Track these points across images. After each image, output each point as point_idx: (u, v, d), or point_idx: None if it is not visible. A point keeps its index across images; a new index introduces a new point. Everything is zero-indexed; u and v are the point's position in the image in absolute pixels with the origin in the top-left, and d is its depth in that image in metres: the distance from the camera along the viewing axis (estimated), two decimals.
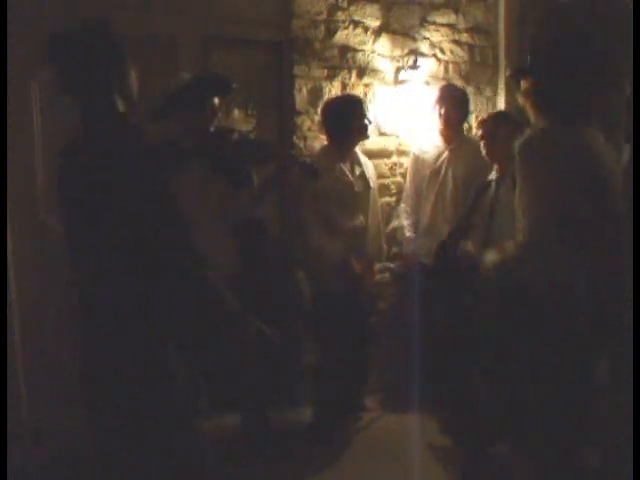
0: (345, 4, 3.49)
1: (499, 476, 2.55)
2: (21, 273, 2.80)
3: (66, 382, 2.13)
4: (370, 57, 3.58)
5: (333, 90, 3.46)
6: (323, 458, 2.95)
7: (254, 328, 1.89)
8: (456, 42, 3.84)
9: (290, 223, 3.43)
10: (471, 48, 3.89)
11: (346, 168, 3.15)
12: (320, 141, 3.41)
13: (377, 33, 3.59)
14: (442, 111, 3.37)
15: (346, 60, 3.52)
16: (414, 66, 3.66)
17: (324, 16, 3.43)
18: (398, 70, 3.65)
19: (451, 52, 3.83)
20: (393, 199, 3.71)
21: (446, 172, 3.35)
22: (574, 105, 2.19)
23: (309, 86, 3.43)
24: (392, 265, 3.72)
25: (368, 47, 3.57)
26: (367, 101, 3.48)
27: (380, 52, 3.60)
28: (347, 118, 3.10)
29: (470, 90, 3.70)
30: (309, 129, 3.44)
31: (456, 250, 2.96)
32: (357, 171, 3.20)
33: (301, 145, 3.42)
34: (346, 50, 3.51)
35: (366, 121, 3.16)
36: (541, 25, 2.37)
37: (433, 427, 3.21)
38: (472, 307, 2.69)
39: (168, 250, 1.75)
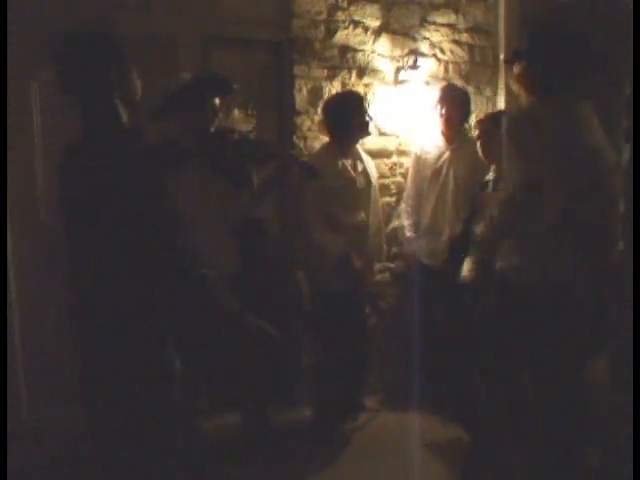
0: (345, 4, 3.49)
1: (499, 476, 2.55)
2: (21, 273, 2.80)
3: (66, 382, 2.13)
4: (370, 57, 3.58)
5: (333, 90, 3.46)
6: (323, 458, 2.95)
7: (254, 327, 1.89)
8: (456, 42, 3.84)
9: (290, 223, 3.43)
10: (471, 48, 3.89)
11: (348, 164, 3.16)
12: (320, 141, 3.40)
13: (377, 33, 3.59)
14: (443, 111, 3.37)
15: (346, 60, 3.52)
16: (414, 66, 3.66)
17: (324, 16, 3.43)
18: (398, 70, 3.65)
19: (451, 52, 3.83)
20: (393, 199, 3.71)
21: (447, 172, 3.35)
22: (564, 84, 2.20)
23: (309, 86, 3.43)
24: (392, 265, 3.72)
25: (368, 47, 3.57)
26: (367, 100, 3.48)
27: (380, 52, 3.60)
28: (348, 115, 3.10)
29: (470, 90, 3.70)
30: (309, 129, 3.44)
31: (461, 253, 2.96)
32: (359, 167, 3.20)
33: (301, 145, 3.42)
34: (346, 50, 3.51)
35: (367, 117, 3.16)
36: (541, 25, 2.38)
37: (433, 427, 3.21)
38: (472, 307, 2.68)
39: (167, 250, 1.75)
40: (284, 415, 3.27)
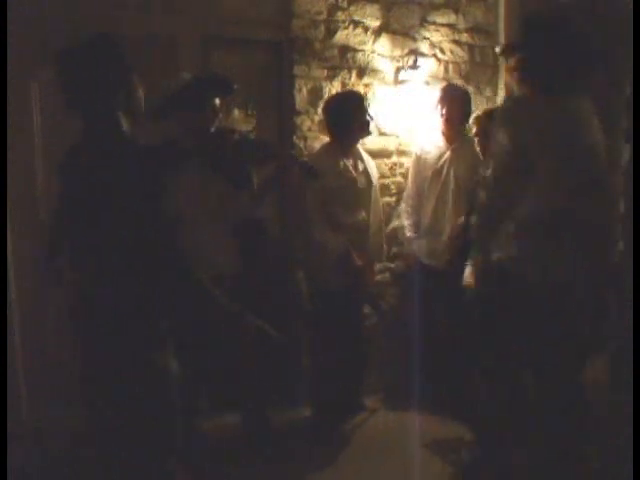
0: (345, 4, 3.48)
1: (499, 476, 2.55)
2: (21, 273, 2.80)
3: (66, 382, 2.13)
4: (370, 57, 3.58)
5: (333, 90, 3.46)
6: (323, 458, 2.95)
7: (253, 327, 1.90)
8: (456, 42, 3.84)
9: (290, 223, 3.43)
10: (471, 48, 3.89)
11: (349, 164, 3.16)
12: (320, 141, 3.40)
13: (377, 33, 3.59)
14: (444, 111, 3.37)
15: (346, 60, 3.52)
16: (414, 66, 3.66)
17: (324, 16, 3.43)
18: (398, 70, 3.65)
19: (451, 52, 3.83)
20: (393, 199, 3.71)
21: (448, 172, 3.35)
22: (558, 77, 2.20)
23: (309, 86, 3.43)
24: (392, 265, 3.73)
25: (368, 47, 3.57)
26: (368, 100, 3.48)
27: (380, 52, 3.60)
28: (349, 115, 3.10)
29: (470, 90, 3.70)
30: (309, 129, 3.44)
31: (463, 253, 2.97)
32: (360, 167, 3.21)
33: (301, 145, 3.42)
34: (346, 50, 3.51)
35: (368, 117, 3.17)
36: (536, 18, 2.39)
37: (433, 427, 3.21)
38: (473, 307, 2.68)
39: (167, 250, 1.75)
40: (284, 415, 3.27)
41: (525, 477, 2.41)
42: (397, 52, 3.65)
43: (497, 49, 3.28)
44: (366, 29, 3.55)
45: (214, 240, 2.65)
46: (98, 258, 1.74)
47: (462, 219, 3.21)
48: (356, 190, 3.16)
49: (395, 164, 3.73)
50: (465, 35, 3.86)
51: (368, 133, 3.24)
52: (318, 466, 2.88)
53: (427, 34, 3.74)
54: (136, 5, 3.04)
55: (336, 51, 3.48)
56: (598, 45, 2.44)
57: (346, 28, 3.50)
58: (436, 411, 3.32)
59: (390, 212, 3.67)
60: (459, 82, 3.77)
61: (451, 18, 3.81)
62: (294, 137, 3.41)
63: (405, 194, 3.57)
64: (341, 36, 3.49)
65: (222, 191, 2.68)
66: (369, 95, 3.55)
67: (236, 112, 3.36)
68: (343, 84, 3.50)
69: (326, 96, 3.42)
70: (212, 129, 2.71)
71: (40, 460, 2.68)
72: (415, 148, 3.58)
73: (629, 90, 2.72)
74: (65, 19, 2.84)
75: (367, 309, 3.57)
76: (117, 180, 1.69)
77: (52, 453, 2.72)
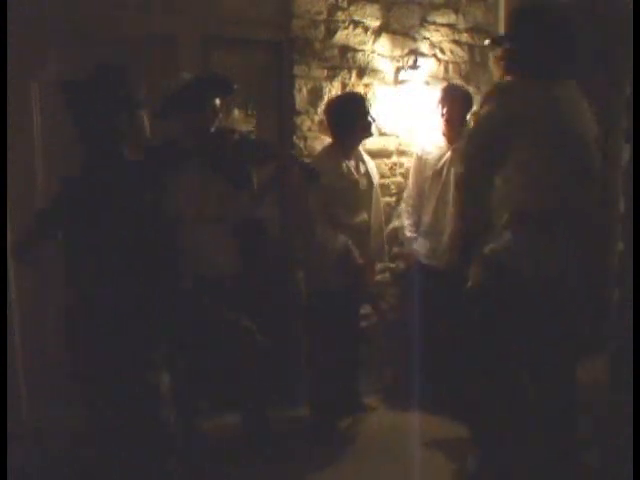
0: (345, 4, 3.48)
1: (499, 476, 2.54)
2: (21, 273, 2.80)
3: (66, 382, 2.13)
4: (370, 57, 3.58)
5: (333, 90, 3.46)
6: (323, 458, 2.95)
7: (241, 328, 1.91)
8: (456, 42, 3.84)
9: (290, 223, 3.43)
10: (471, 48, 3.88)
11: (351, 166, 3.16)
12: (320, 141, 3.40)
13: (377, 33, 3.59)
14: (444, 111, 3.37)
15: (346, 60, 3.52)
16: (414, 66, 3.65)
17: (324, 16, 3.43)
18: (398, 70, 3.65)
19: (451, 52, 3.83)
20: (393, 199, 3.71)
21: (448, 172, 3.34)
22: (543, 63, 2.21)
23: (309, 86, 3.43)
24: (392, 265, 3.72)
25: (368, 47, 3.57)
26: (369, 101, 3.48)
27: (380, 52, 3.60)
28: (351, 116, 3.10)
29: (470, 90, 3.69)
30: (309, 129, 3.44)
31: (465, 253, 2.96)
32: (362, 169, 3.21)
33: (301, 145, 3.42)
34: (346, 50, 3.51)
35: (370, 119, 3.17)
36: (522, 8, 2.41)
37: (433, 427, 3.21)
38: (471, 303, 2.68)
39: (167, 250, 1.75)
40: (284, 415, 3.27)
41: (525, 477, 2.40)
42: (397, 52, 3.65)
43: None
44: (366, 29, 3.55)
45: (214, 240, 2.65)
46: (98, 258, 1.74)
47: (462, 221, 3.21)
48: (358, 192, 3.17)
49: (395, 164, 3.73)
50: (465, 35, 3.86)
51: (370, 134, 3.24)
52: (318, 466, 2.88)
53: (427, 34, 3.74)
54: (136, 5, 3.04)
55: (336, 51, 3.48)
56: (582, 31, 2.45)
57: (346, 28, 3.50)
58: (436, 411, 3.32)
59: (390, 212, 3.67)
60: (459, 82, 3.77)
61: (451, 18, 3.81)
62: (294, 137, 3.41)
63: (405, 194, 3.57)
64: (341, 36, 3.49)
65: (222, 191, 2.68)
66: (369, 95, 3.55)
67: (236, 112, 3.36)
68: (343, 84, 3.50)
69: (326, 96, 3.42)
70: (212, 129, 2.71)
71: (40, 460, 2.68)
72: (416, 148, 3.57)
73: (629, 90, 2.72)
74: (65, 19, 2.84)
75: (367, 309, 3.57)
76: (117, 180, 1.70)
77: (52, 453, 2.72)
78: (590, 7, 3.31)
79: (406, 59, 3.67)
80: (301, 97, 3.42)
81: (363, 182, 3.19)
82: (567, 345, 2.23)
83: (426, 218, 3.42)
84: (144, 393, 1.75)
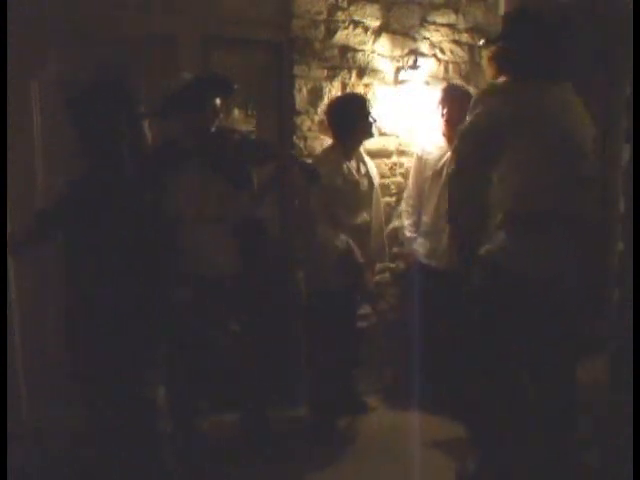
0: (345, 4, 3.48)
1: (499, 476, 2.54)
2: (21, 273, 2.80)
3: (66, 382, 2.13)
4: (370, 57, 3.58)
5: (333, 90, 3.46)
6: (323, 458, 2.95)
7: (230, 331, 1.92)
8: (456, 42, 3.84)
9: (290, 223, 3.43)
10: (471, 48, 3.88)
11: (352, 167, 3.16)
12: (320, 141, 3.41)
13: (377, 33, 3.59)
14: (444, 111, 3.37)
15: (346, 60, 3.52)
16: (414, 66, 3.65)
17: (324, 16, 3.43)
18: (398, 70, 3.65)
19: (451, 52, 3.83)
20: (393, 199, 3.71)
21: (448, 172, 3.34)
22: (536, 64, 2.21)
23: (309, 86, 3.43)
24: (392, 265, 3.73)
25: (368, 47, 3.57)
26: (370, 102, 3.48)
27: (380, 52, 3.60)
28: (352, 117, 3.11)
29: (470, 90, 3.69)
30: (309, 129, 3.44)
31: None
32: (362, 170, 3.22)
33: (301, 145, 3.42)
34: (346, 50, 3.51)
35: (371, 120, 3.17)
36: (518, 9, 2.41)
37: (433, 427, 3.21)
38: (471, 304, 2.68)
39: (167, 250, 1.76)
40: (284, 415, 3.27)
41: (525, 477, 2.40)
42: (397, 52, 3.65)
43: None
44: (366, 29, 3.55)
45: (214, 240, 2.65)
46: (98, 258, 1.74)
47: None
48: (358, 193, 3.17)
49: (395, 164, 3.73)
50: (465, 35, 3.86)
51: (371, 135, 3.25)
52: (318, 466, 2.88)
53: (427, 34, 3.74)
54: (136, 5, 3.04)
55: (336, 51, 3.48)
56: (582, 31, 2.45)
57: (346, 28, 3.50)
58: (436, 411, 3.31)
59: (390, 212, 3.67)
60: (459, 82, 3.77)
61: (451, 18, 3.81)
62: (294, 137, 3.41)
63: (405, 194, 3.58)
64: (341, 36, 3.49)
65: (222, 191, 2.69)
66: (369, 95, 3.55)
67: (236, 112, 3.36)
68: (343, 84, 3.50)
69: (326, 96, 3.42)
70: (212, 129, 2.71)
71: (40, 460, 2.68)
72: (416, 148, 3.57)
73: (629, 90, 2.72)
74: (65, 19, 2.84)
75: (367, 309, 3.57)
76: (117, 180, 1.70)
77: (52, 453, 2.72)
78: (590, 7, 3.31)
79: (406, 59, 3.67)
80: (301, 97, 3.42)
81: (364, 183, 3.20)
82: (567, 345, 2.23)
83: (426, 218, 3.42)
84: (141, 403, 1.75)
